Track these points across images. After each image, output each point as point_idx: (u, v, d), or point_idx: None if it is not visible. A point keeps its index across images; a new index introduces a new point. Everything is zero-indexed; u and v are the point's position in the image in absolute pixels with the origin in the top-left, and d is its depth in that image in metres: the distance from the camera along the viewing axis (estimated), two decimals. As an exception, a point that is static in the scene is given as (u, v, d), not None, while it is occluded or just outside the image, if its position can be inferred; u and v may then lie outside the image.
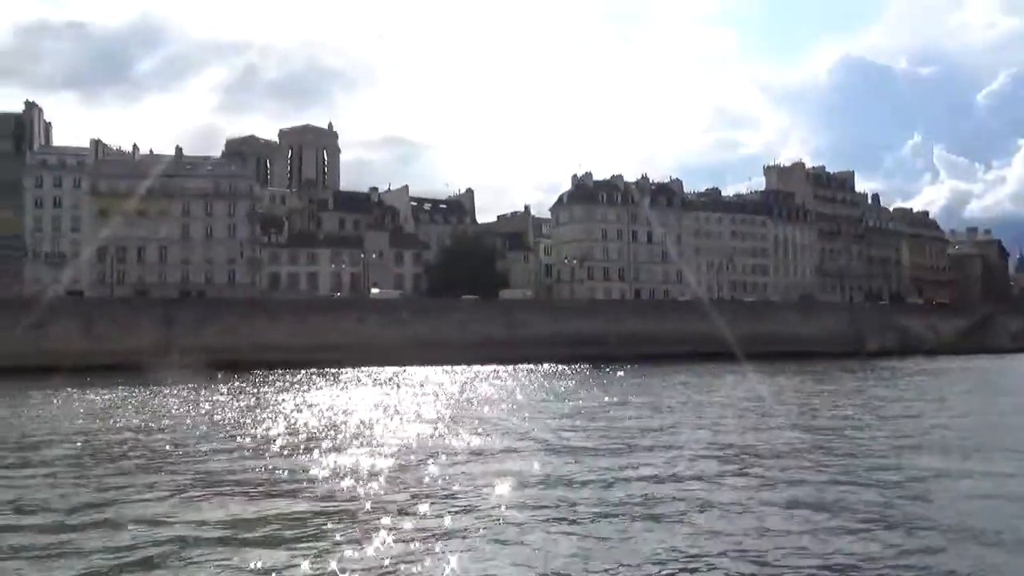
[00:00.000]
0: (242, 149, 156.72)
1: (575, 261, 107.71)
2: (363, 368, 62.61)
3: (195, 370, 55.43)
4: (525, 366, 65.78)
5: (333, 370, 60.59)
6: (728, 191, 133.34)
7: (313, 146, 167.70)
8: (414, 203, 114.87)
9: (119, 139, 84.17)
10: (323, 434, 25.42)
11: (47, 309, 67.99)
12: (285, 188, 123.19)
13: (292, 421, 29.39)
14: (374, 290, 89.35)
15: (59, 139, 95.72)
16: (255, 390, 45.56)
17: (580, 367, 64.68)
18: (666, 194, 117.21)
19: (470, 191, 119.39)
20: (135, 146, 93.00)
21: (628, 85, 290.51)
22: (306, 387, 47.59)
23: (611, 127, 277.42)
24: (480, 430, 26.20)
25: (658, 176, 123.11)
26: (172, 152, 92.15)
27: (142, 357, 63.94)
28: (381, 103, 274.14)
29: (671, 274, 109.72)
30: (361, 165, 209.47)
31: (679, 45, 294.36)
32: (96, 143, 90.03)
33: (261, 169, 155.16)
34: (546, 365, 66.71)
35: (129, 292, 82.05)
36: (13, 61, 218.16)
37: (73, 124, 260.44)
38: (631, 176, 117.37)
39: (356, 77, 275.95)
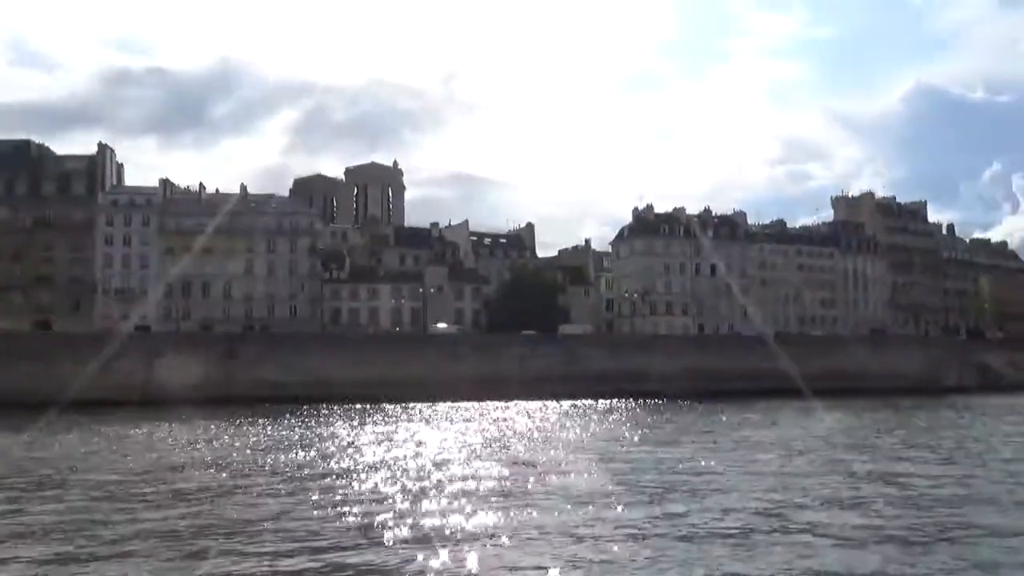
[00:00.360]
0: (309, 188, 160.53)
1: (636, 295, 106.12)
2: (422, 403, 62.07)
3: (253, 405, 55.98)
4: (585, 402, 64.53)
5: (391, 405, 60.14)
6: (796, 223, 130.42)
7: (378, 184, 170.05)
8: (474, 238, 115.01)
9: (195, 180, 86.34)
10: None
11: (115, 344, 69.34)
12: (348, 225, 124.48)
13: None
14: (440, 324, 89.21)
15: (138, 180, 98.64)
16: (323, 425, 45.38)
17: (641, 404, 63.17)
18: (729, 226, 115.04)
19: (530, 225, 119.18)
20: (201, 185, 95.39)
21: (694, 118, 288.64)
22: (380, 422, 47.26)
23: (675, 161, 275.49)
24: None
25: (722, 209, 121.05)
26: (238, 190, 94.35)
27: (204, 391, 65.23)
28: (447, 140, 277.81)
29: (736, 308, 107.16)
30: (428, 202, 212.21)
31: (749, 79, 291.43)
32: (164, 182, 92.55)
33: (328, 207, 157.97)
34: (605, 401, 65.33)
35: (195, 327, 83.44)
36: (98, 108, 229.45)
37: (153, 167, 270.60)
38: (694, 209, 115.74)
39: (422, 115, 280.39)
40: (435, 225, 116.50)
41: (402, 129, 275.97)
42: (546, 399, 65.88)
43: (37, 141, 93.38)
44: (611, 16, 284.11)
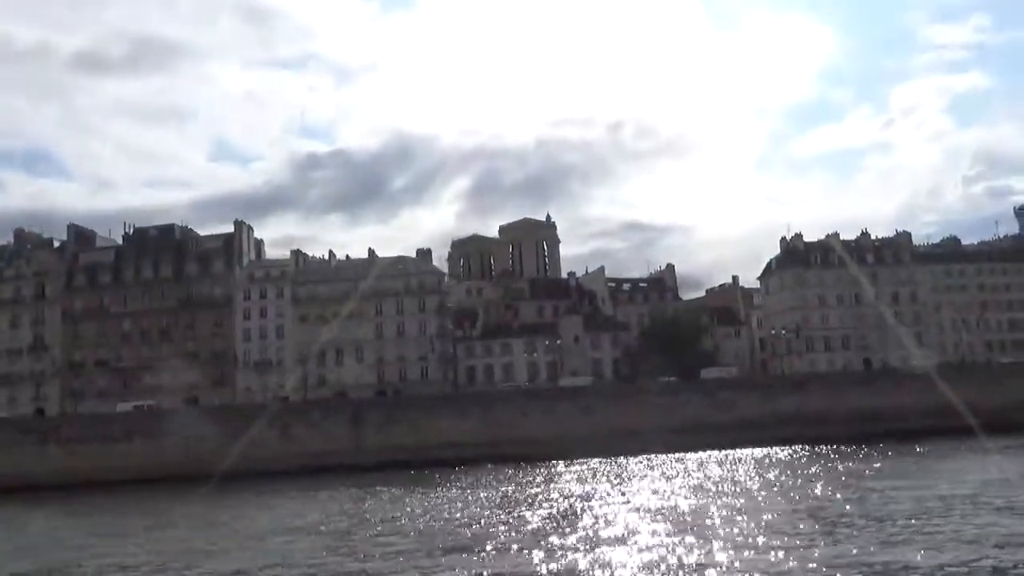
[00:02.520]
0: (466, 248, 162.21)
1: (789, 332, 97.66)
2: (555, 461, 57.98)
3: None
4: (734, 452, 58.29)
5: (519, 465, 56.12)
6: (973, 239, 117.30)
7: (532, 239, 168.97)
8: (612, 284, 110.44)
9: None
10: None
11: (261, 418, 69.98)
12: (480, 281, 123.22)
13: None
14: (573, 376, 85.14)
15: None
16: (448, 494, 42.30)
17: (797, 450, 56.28)
18: (892, 249, 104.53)
19: (671, 267, 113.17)
20: (331, 252, 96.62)
21: (874, 144, 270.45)
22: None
23: (824, 187, 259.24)
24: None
25: (882, 231, 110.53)
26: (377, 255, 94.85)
27: (332, 459, 64.15)
28: (617, 191, 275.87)
29: (904, 338, 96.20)
30: (603, 255, 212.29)
31: (930, 95, 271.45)
32: (296, 253, 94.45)
33: (485, 266, 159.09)
34: (756, 449, 58.77)
35: (329, 393, 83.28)
36: (290, 192, 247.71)
37: (342, 244, 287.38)
38: (848, 234, 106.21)
39: (591, 168, 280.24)
40: (572, 275, 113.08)
41: (571, 182, 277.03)
42: (688, 450, 60.28)
43: (181, 224, 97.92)
44: (769, 48, 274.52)
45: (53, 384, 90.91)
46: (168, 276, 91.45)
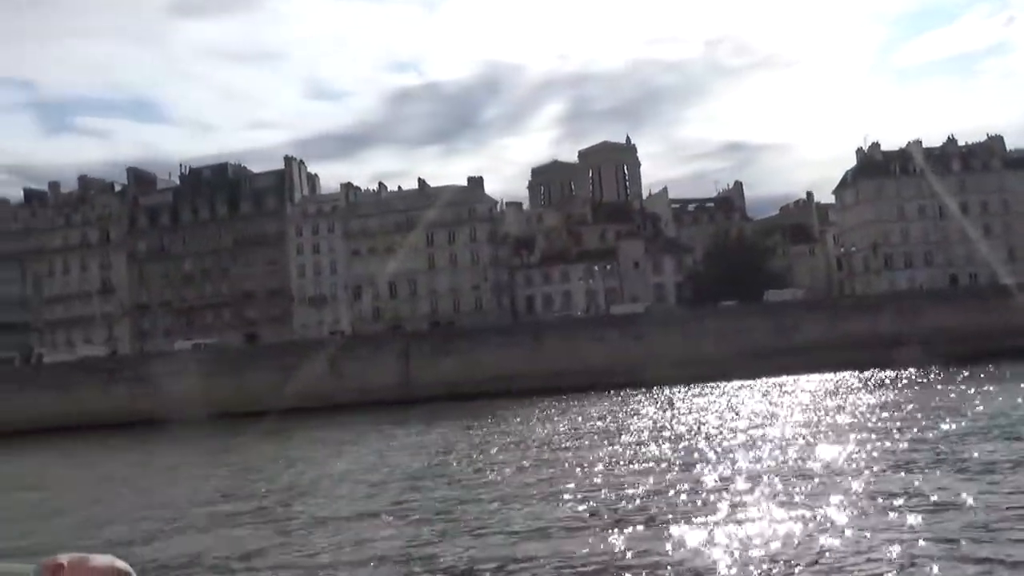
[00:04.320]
0: (547, 176, 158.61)
1: (865, 249, 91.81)
2: (609, 391, 55.48)
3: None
4: (801, 377, 54.76)
5: (568, 397, 53.75)
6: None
7: (612, 163, 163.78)
8: (676, 205, 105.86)
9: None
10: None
11: (302, 352, 70.00)
12: (541, 208, 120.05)
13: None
14: (630, 303, 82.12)
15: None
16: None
17: (874, 375, 52.32)
18: (981, 156, 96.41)
19: (738, 184, 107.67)
20: (380, 184, 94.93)
21: (970, 42, 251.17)
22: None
23: (937, 95, 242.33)
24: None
25: (971, 137, 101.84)
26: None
27: (382, 394, 63.55)
28: (713, 111, 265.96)
29: (995, 252, 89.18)
30: (698, 177, 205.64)
31: None
32: (346, 187, 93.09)
33: (566, 193, 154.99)
34: (825, 375, 55.07)
35: (384, 327, 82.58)
36: (385, 128, 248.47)
37: (437, 176, 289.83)
38: (932, 141, 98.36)
39: (686, 89, 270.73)
40: (637, 197, 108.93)
41: (666, 106, 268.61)
42: (751, 377, 57.04)
43: (234, 164, 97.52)
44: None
45: (123, 325, 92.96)
46: (223, 215, 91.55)
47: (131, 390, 67.45)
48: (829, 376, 54.49)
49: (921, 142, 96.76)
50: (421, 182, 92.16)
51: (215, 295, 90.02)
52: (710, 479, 19.90)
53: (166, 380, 65.61)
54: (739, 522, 15.09)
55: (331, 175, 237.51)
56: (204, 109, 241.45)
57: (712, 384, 55.71)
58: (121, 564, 1.01)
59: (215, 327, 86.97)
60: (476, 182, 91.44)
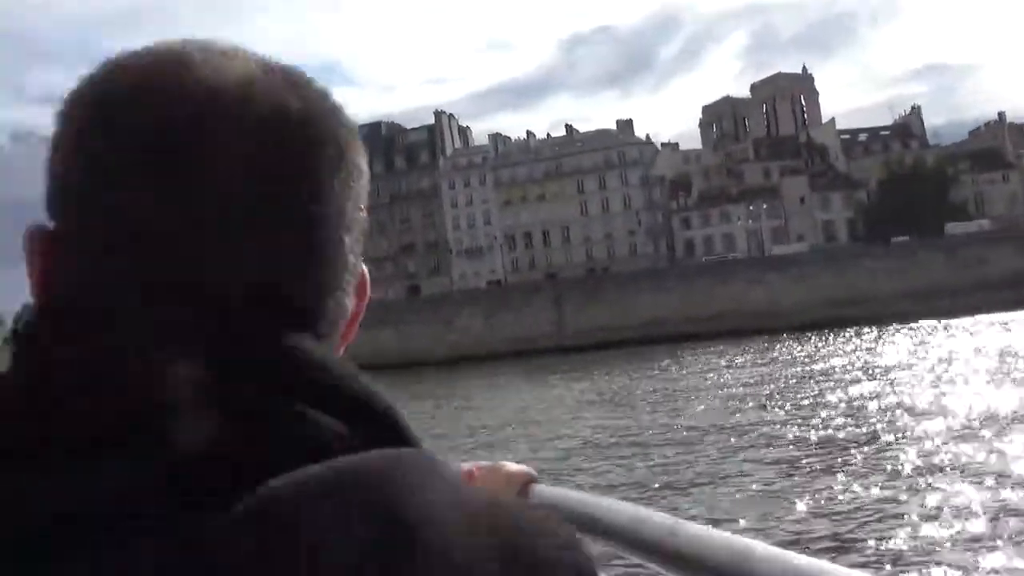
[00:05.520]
0: (717, 112, 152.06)
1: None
2: (766, 337, 52.31)
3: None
4: (986, 317, 49.38)
5: (720, 341, 51.00)
6: None
7: (787, 95, 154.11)
8: (846, 136, 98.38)
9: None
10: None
11: (455, 303, 71.36)
12: (699, 147, 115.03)
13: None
14: (797, 244, 77.54)
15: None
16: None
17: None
18: None
19: (916, 108, 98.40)
20: (528, 132, 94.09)
21: None
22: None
23: None
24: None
25: None
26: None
27: (537, 342, 63.66)
28: (910, 33, 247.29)
29: None
30: (892, 105, 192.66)
31: None
32: (495, 137, 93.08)
33: (740, 130, 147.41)
34: (1012, 314, 49.46)
35: (540, 276, 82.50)
36: (559, 73, 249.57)
37: (609, 119, 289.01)
38: None
39: (877, 10, 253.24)
40: (803, 130, 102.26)
41: (857, 28, 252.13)
42: (927, 317, 52.19)
43: (387, 121, 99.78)
44: None
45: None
46: (379, 172, 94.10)
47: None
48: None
49: None
50: (569, 127, 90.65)
51: (375, 250, 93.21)
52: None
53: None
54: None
55: (512, 125, 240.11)
56: (384, 69, 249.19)
57: (885, 326, 51.16)
58: (531, 470, 1.02)
59: (378, 281, 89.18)
60: (625, 124, 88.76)
